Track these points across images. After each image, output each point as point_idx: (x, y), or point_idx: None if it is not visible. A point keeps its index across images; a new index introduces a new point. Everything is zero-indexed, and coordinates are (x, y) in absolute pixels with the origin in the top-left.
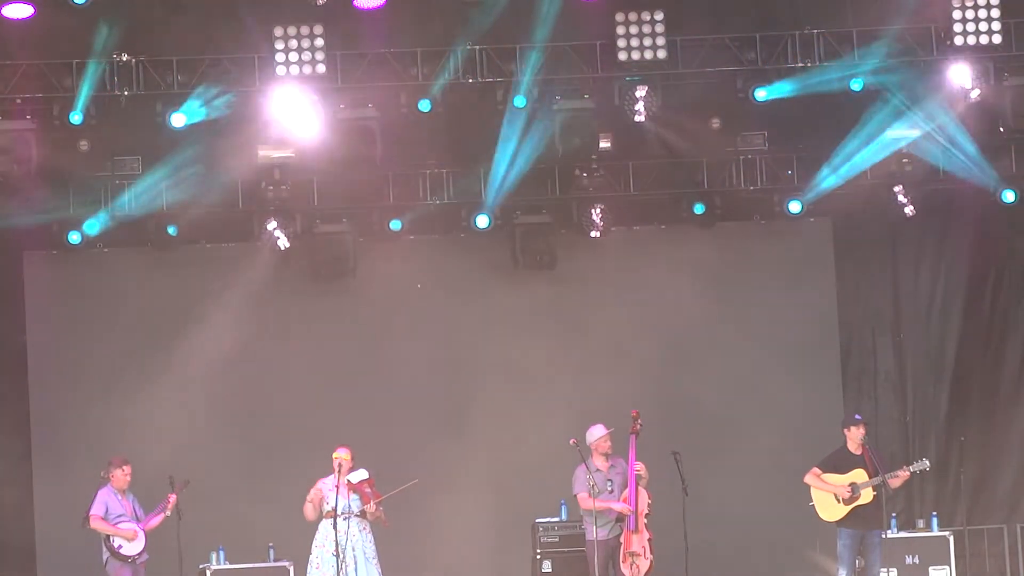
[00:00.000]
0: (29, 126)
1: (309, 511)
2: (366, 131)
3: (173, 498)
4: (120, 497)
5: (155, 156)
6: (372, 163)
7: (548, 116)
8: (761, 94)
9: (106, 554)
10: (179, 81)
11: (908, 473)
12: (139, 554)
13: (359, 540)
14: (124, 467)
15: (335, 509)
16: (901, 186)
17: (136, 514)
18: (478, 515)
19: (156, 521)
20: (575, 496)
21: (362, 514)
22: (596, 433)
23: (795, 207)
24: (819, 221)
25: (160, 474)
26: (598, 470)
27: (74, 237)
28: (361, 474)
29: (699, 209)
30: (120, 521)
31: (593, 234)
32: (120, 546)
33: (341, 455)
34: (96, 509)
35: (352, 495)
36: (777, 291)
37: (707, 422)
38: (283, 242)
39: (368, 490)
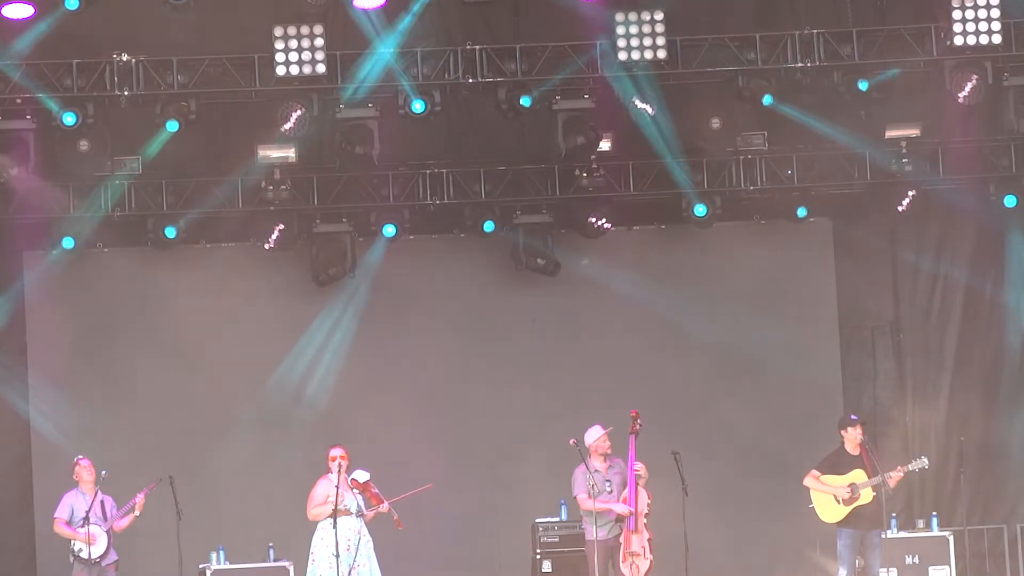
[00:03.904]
0: (29, 126)
1: (321, 513)
2: (366, 131)
3: (140, 497)
4: (88, 497)
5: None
6: (372, 163)
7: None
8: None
9: (71, 556)
10: (179, 81)
11: (907, 472)
12: (101, 557)
13: (361, 540)
14: (81, 462)
15: (337, 508)
16: (907, 187)
17: (106, 514)
18: (478, 515)
19: (124, 522)
20: (575, 498)
21: (361, 515)
22: (594, 434)
23: (801, 212)
24: (819, 221)
25: (160, 474)
26: (596, 471)
27: (67, 242)
28: (363, 474)
29: (701, 212)
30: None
31: (602, 229)
32: (80, 550)
33: (339, 454)
34: (59, 512)
35: (358, 494)
36: (777, 291)
37: (707, 422)
38: (269, 243)
39: (375, 491)
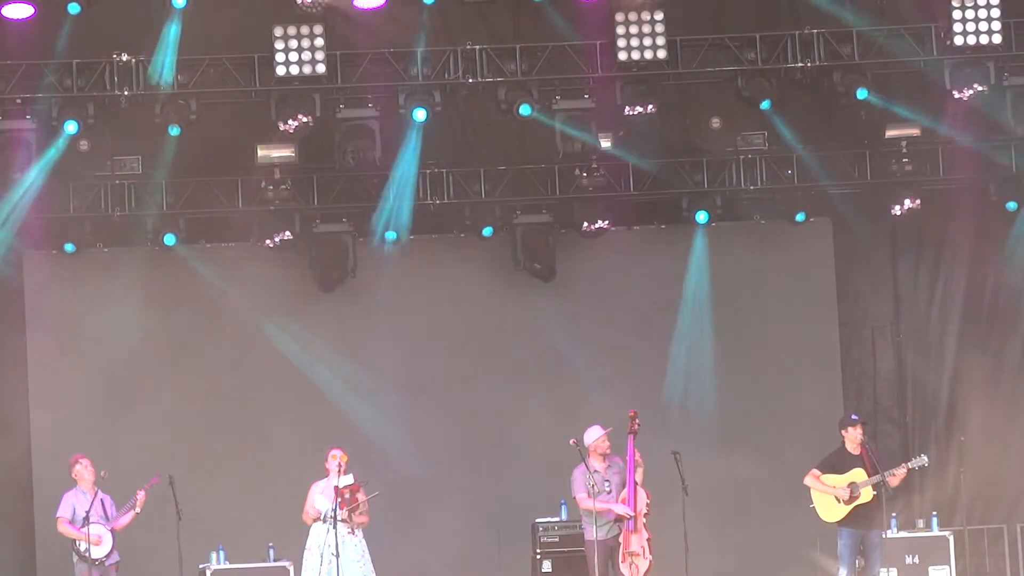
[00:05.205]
0: (29, 126)
1: (308, 520)
2: (366, 131)
3: (141, 494)
4: (88, 496)
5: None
6: (372, 163)
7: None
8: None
9: (74, 556)
10: (179, 81)
11: (907, 470)
12: (106, 556)
13: (349, 542)
14: (81, 461)
15: (332, 512)
16: (907, 188)
17: (107, 514)
18: (478, 515)
19: (126, 520)
20: (575, 498)
21: (327, 519)
22: (594, 434)
23: (800, 217)
24: (819, 221)
25: (160, 474)
26: (596, 471)
27: (68, 248)
28: (346, 479)
29: (702, 218)
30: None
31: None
32: (86, 550)
33: (339, 455)
34: (61, 512)
35: (337, 500)
36: (777, 291)
37: (707, 422)
38: (269, 243)
39: (347, 495)
